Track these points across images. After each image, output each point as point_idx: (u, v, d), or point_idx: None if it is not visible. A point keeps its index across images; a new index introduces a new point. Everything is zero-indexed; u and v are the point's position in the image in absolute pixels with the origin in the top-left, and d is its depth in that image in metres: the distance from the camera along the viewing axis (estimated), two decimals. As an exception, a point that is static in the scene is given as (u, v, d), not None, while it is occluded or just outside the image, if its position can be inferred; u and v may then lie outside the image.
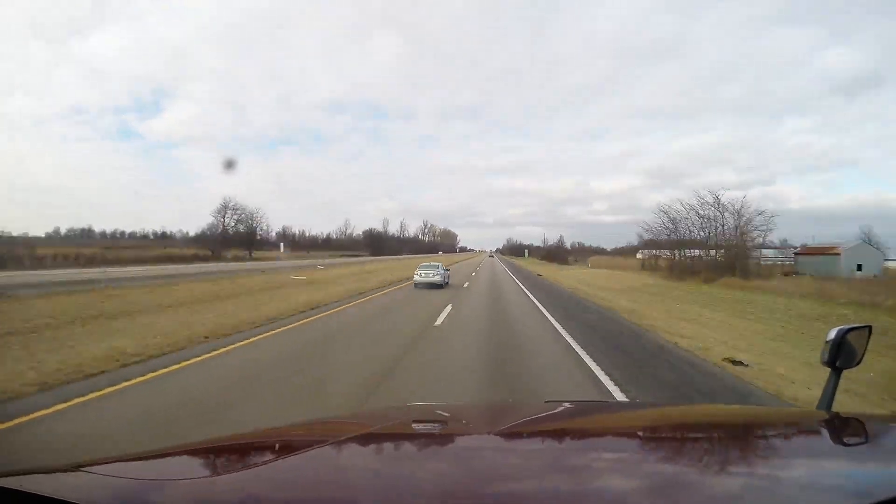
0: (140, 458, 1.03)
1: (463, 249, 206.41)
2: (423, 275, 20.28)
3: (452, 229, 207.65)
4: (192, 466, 1.04)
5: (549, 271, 41.86)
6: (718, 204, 35.59)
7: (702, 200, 36.60)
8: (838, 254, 42.88)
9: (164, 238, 70.79)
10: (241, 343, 8.10)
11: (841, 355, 1.40)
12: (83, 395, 5.03)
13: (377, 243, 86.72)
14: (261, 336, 8.81)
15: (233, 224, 58.86)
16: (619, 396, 5.33)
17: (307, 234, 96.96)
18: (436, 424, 1.46)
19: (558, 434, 1.30)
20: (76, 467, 0.89)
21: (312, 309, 12.91)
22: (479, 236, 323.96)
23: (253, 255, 53.83)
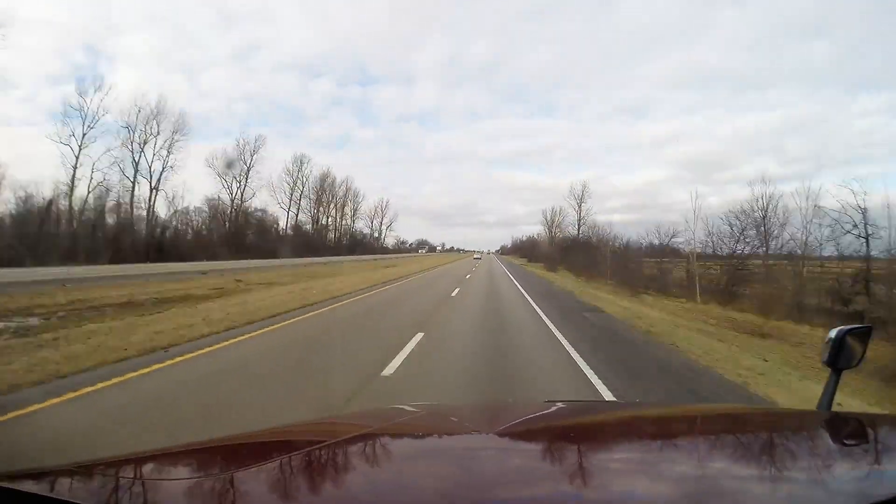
0: (140, 458, 1.03)
1: (422, 247, 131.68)
2: (475, 256, 71.01)
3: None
4: (192, 466, 1.04)
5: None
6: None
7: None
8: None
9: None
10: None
11: (841, 356, 1.40)
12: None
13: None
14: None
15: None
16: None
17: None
18: (435, 424, 1.45)
19: (560, 434, 1.30)
20: (76, 467, 0.89)
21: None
22: (479, 236, 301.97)
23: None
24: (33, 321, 8.92)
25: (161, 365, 5.64)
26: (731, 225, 27.61)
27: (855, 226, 22.90)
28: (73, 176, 35.20)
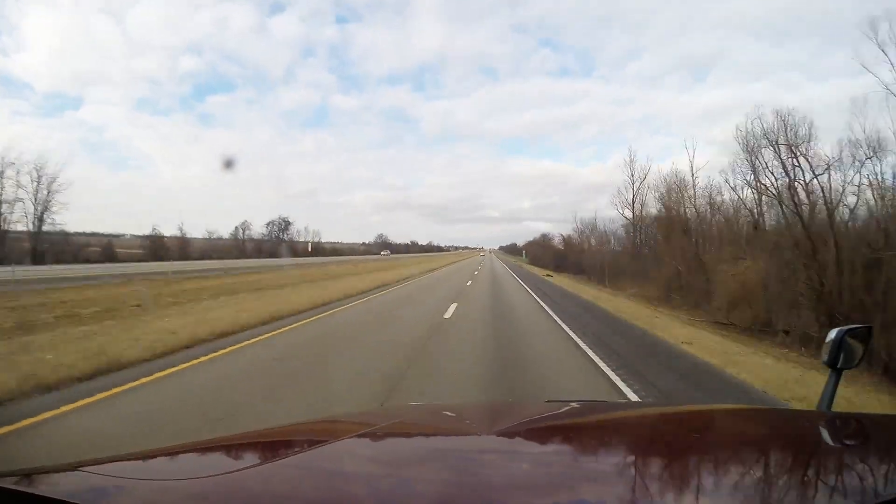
0: (140, 458, 1.03)
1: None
2: (482, 254, 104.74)
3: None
4: (192, 466, 1.04)
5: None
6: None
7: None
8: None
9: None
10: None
11: (841, 355, 1.40)
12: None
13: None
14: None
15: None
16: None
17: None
18: (436, 424, 1.45)
19: (562, 435, 1.30)
20: (75, 467, 0.89)
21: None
22: (480, 233, 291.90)
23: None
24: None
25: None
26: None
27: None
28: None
